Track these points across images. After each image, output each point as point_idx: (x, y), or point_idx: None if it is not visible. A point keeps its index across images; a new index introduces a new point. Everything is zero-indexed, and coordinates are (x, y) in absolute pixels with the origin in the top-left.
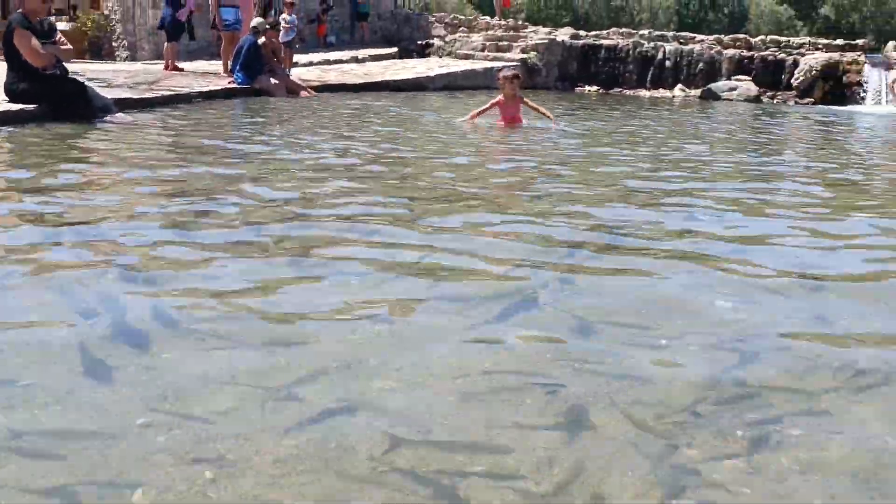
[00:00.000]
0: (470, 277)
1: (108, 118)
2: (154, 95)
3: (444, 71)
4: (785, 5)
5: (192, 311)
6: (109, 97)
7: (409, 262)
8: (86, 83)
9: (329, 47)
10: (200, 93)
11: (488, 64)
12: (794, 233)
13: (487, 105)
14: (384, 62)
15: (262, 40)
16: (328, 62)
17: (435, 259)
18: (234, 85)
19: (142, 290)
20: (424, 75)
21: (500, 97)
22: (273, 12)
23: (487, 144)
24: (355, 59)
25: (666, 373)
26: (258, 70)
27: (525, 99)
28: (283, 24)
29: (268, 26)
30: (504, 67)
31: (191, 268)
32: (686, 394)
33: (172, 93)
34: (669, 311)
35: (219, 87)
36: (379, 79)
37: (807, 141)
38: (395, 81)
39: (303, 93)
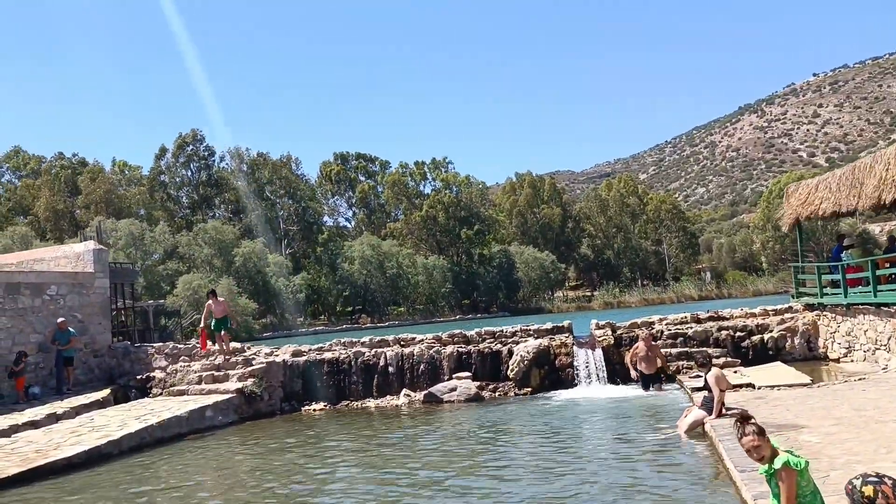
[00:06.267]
0: None
1: None
2: None
3: (134, 428)
4: (546, 252)
5: None
6: None
7: None
8: None
9: (32, 400)
10: None
11: (193, 405)
12: None
13: None
14: (78, 420)
15: None
16: (16, 427)
17: None
18: None
19: None
20: (107, 440)
21: None
22: None
23: None
24: (53, 417)
25: None
26: None
27: None
28: None
29: None
30: None
31: None
32: None
33: None
34: None
35: None
36: (46, 459)
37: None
38: (65, 459)
39: None
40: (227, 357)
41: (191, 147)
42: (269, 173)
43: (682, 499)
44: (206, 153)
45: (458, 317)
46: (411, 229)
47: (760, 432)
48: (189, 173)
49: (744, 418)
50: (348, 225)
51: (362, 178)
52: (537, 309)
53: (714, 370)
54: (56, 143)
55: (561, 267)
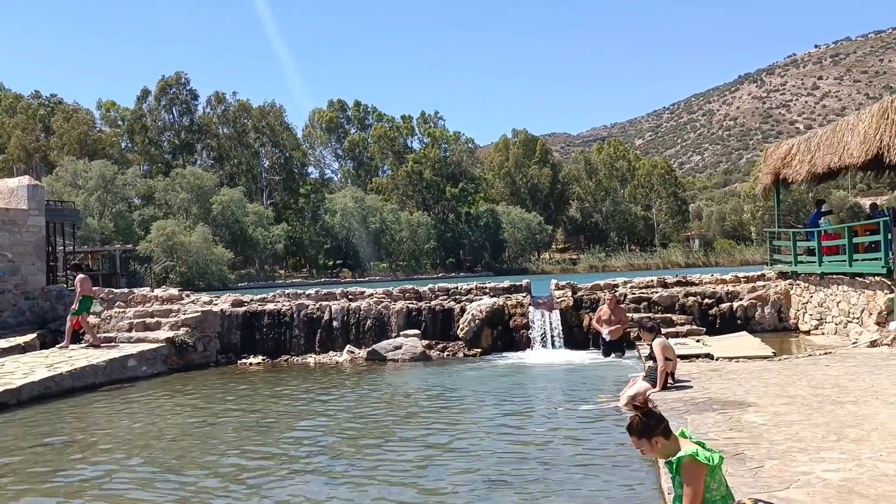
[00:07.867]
0: None
1: None
2: None
3: (38, 377)
4: (534, 213)
5: None
6: None
7: None
8: None
9: None
10: None
11: (116, 353)
12: None
13: None
14: None
15: None
16: None
17: None
18: None
19: None
20: (3, 389)
21: None
22: None
23: None
24: None
25: None
26: None
27: None
28: None
29: None
30: None
31: None
32: None
33: None
34: None
35: None
36: None
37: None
38: None
39: None
40: (162, 299)
41: (173, 90)
42: (252, 120)
43: (594, 486)
44: (190, 97)
45: (440, 274)
46: (397, 184)
47: (644, 432)
48: (171, 118)
49: (636, 411)
50: (335, 177)
51: (354, 131)
52: (522, 270)
53: (660, 338)
54: (42, 83)
55: (548, 228)
